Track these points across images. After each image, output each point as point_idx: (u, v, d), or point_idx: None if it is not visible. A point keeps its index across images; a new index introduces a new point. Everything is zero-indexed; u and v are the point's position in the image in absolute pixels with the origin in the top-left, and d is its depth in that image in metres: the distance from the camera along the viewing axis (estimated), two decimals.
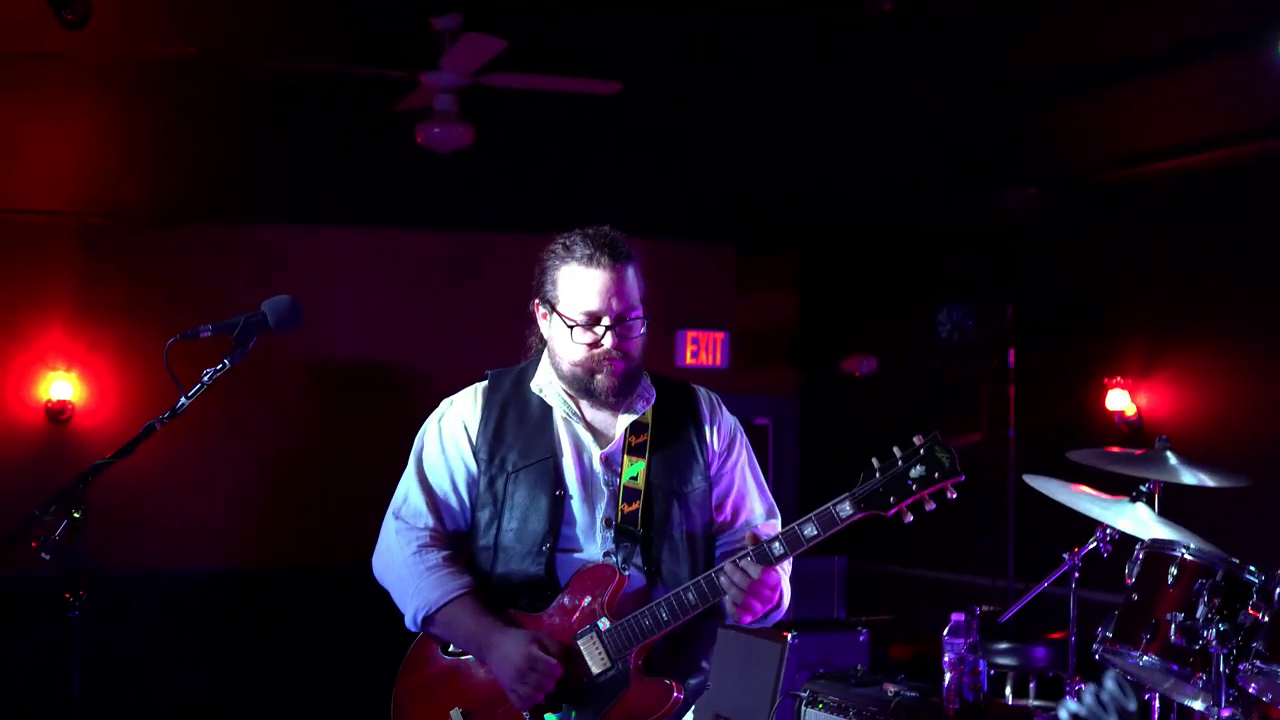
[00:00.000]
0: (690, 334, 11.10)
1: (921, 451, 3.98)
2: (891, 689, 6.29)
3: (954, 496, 4.01)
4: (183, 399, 4.20)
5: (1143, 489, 5.79)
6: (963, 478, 3.99)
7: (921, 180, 9.89)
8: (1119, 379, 9.15)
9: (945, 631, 5.97)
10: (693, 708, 4.50)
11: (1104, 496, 5.86)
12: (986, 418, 9.61)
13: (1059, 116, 8.63)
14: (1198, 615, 5.00)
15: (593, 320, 4.20)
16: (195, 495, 10.40)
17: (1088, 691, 1.53)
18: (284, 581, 10.37)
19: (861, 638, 7.32)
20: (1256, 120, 8.04)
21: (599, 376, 4.25)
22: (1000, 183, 9.46)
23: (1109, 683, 1.54)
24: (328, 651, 9.73)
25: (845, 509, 4.00)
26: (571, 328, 4.22)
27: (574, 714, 4.18)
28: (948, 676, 5.97)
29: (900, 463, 3.99)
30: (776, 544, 4.04)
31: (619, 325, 4.20)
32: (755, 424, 10.78)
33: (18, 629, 8.94)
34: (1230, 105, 8.02)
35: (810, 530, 4.02)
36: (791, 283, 11.98)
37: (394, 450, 4.51)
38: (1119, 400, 9.08)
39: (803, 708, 6.64)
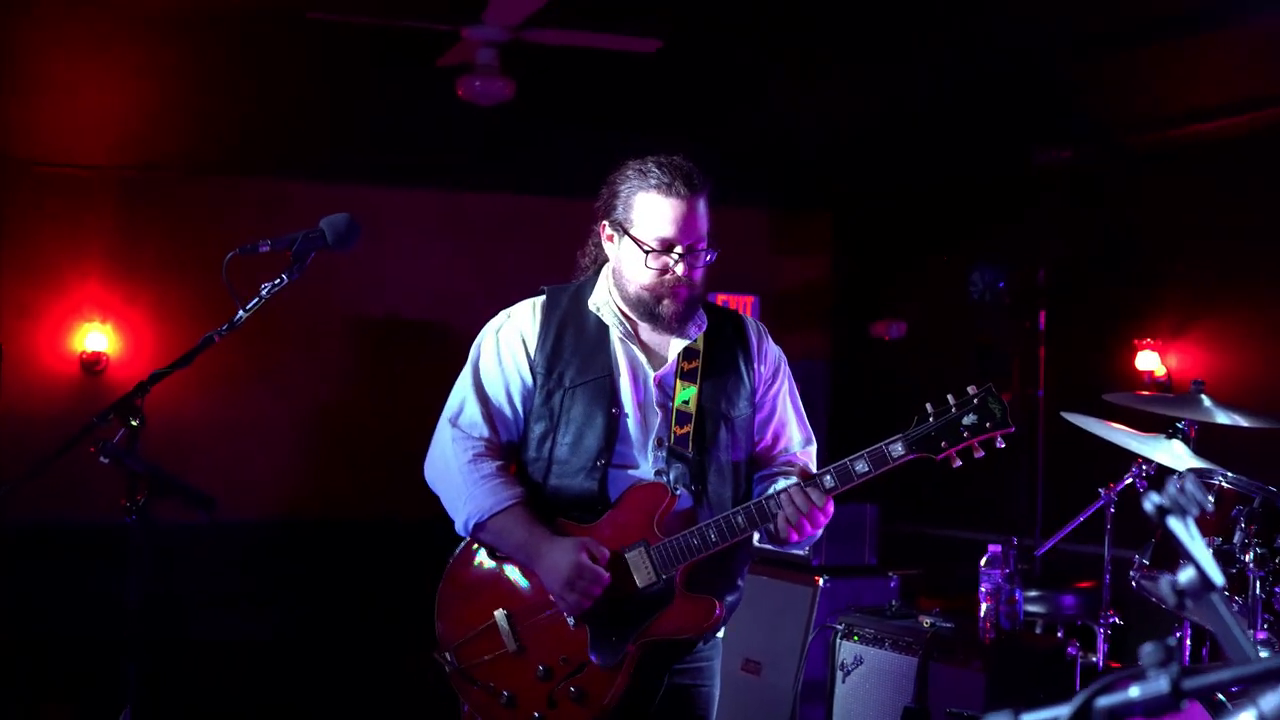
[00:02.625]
0: (721, 297, 11.14)
1: (975, 401, 4.10)
2: (927, 621, 6.37)
3: (1003, 446, 4.12)
4: (241, 312, 4.28)
5: (1179, 425, 5.84)
6: (1013, 429, 4.11)
7: (955, 141, 9.93)
8: (1149, 340, 9.20)
9: (983, 562, 6.05)
10: (720, 649, 4.62)
11: (1140, 433, 5.91)
12: (1017, 378, 9.66)
13: (1095, 76, 8.66)
14: (1234, 540, 5.08)
15: (666, 247, 4.28)
16: (239, 448, 10.47)
17: (1171, 483, 1.59)
18: (328, 532, 10.44)
19: (893, 583, 7.37)
20: None
21: (665, 302, 4.33)
22: (1034, 143, 9.50)
23: (1189, 481, 1.60)
24: (373, 601, 9.80)
25: (898, 449, 4.10)
26: (646, 253, 4.29)
27: (613, 627, 4.27)
28: (984, 606, 6.06)
29: (954, 409, 4.10)
30: (828, 477, 4.14)
31: (690, 254, 4.29)
32: None
33: (77, 569, 9.04)
34: (1271, 67, 8.05)
35: (862, 466, 4.12)
36: (823, 246, 12.01)
37: (437, 408, 4.59)
38: (1149, 361, 9.13)
39: (838, 640, 6.71)
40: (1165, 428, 5.90)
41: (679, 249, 4.28)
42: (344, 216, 4.38)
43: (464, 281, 10.71)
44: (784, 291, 11.64)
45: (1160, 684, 1.62)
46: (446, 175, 11.00)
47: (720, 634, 4.60)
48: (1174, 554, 5.21)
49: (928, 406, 4.10)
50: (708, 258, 4.35)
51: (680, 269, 4.29)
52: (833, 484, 4.14)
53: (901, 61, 8.65)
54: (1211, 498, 5.23)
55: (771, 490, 4.25)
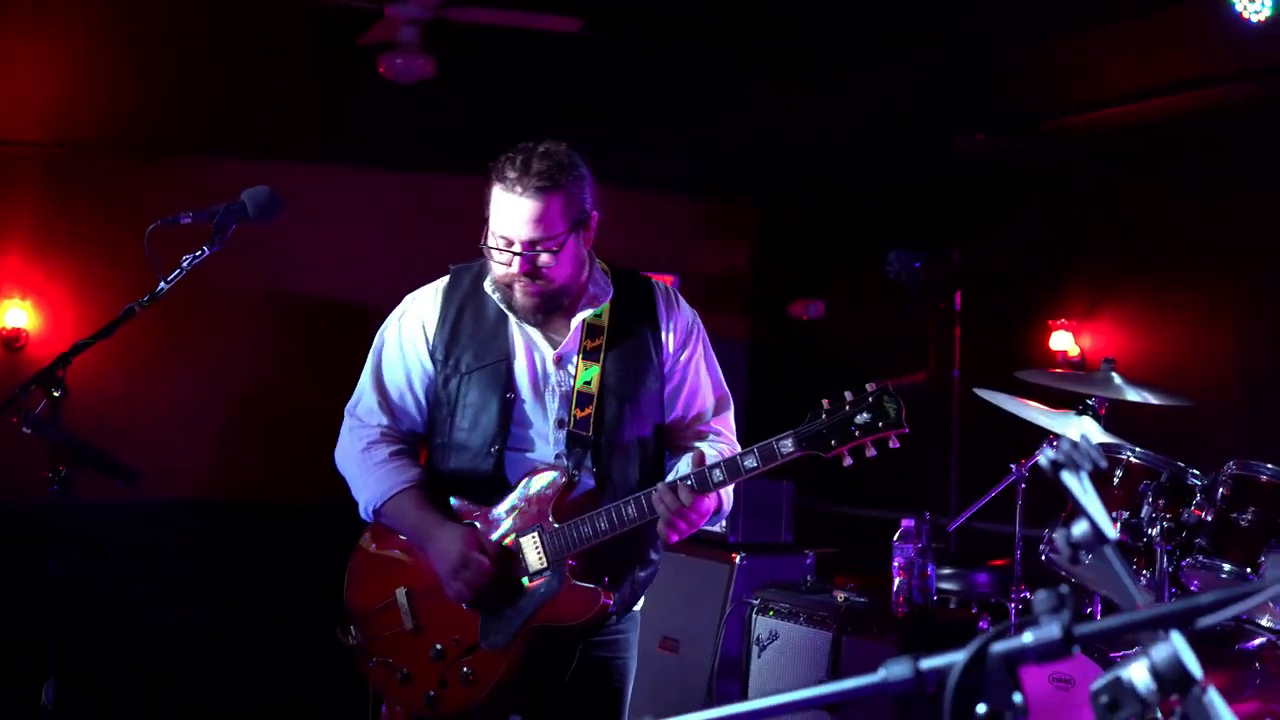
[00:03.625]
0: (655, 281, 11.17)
1: (870, 399, 4.06)
2: (841, 595, 6.44)
3: (896, 446, 4.08)
4: (162, 284, 4.30)
5: (1089, 402, 5.91)
6: (907, 430, 4.07)
7: (874, 127, 10.00)
8: (1063, 321, 9.31)
9: (895, 537, 6.12)
10: (638, 622, 4.65)
11: (1052, 410, 5.99)
12: (933, 359, 9.75)
13: (1012, 63, 8.75)
14: (1142, 514, 5.17)
15: (506, 244, 4.25)
16: (160, 429, 10.40)
17: (1065, 441, 1.63)
18: (250, 514, 10.38)
19: (809, 561, 7.43)
20: (1208, 69, 8.16)
21: (516, 295, 4.33)
22: (952, 129, 9.58)
23: (1083, 440, 1.64)
24: (296, 582, 9.78)
25: (787, 446, 4.08)
26: (490, 247, 4.30)
27: (504, 611, 4.31)
28: (896, 581, 6.13)
29: (848, 407, 4.06)
30: (717, 471, 4.13)
31: (528, 253, 4.23)
32: None
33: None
34: (1182, 54, 8.14)
35: (750, 462, 4.11)
36: (744, 228, 12.06)
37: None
38: (1063, 341, 9.25)
39: (753, 615, 6.77)
40: (1076, 405, 5.98)
41: (516, 247, 4.24)
42: (265, 189, 4.40)
43: (389, 261, 10.68)
44: (704, 273, 11.67)
45: (1052, 630, 1.68)
46: (372, 154, 10.97)
47: (637, 607, 4.63)
48: None
49: (823, 403, 4.08)
50: (555, 259, 4.26)
51: (515, 266, 4.26)
52: (721, 478, 4.13)
53: (827, 50, 8.71)
54: (1120, 473, 5.32)
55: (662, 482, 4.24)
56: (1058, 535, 1.79)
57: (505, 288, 4.33)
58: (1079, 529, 1.79)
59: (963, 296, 9.45)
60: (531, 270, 4.24)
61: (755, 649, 6.81)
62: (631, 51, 8.93)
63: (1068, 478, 1.80)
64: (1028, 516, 6.10)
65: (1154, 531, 5.14)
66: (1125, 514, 5.21)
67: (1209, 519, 5.14)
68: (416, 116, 9.72)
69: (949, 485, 9.41)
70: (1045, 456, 1.81)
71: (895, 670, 1.78)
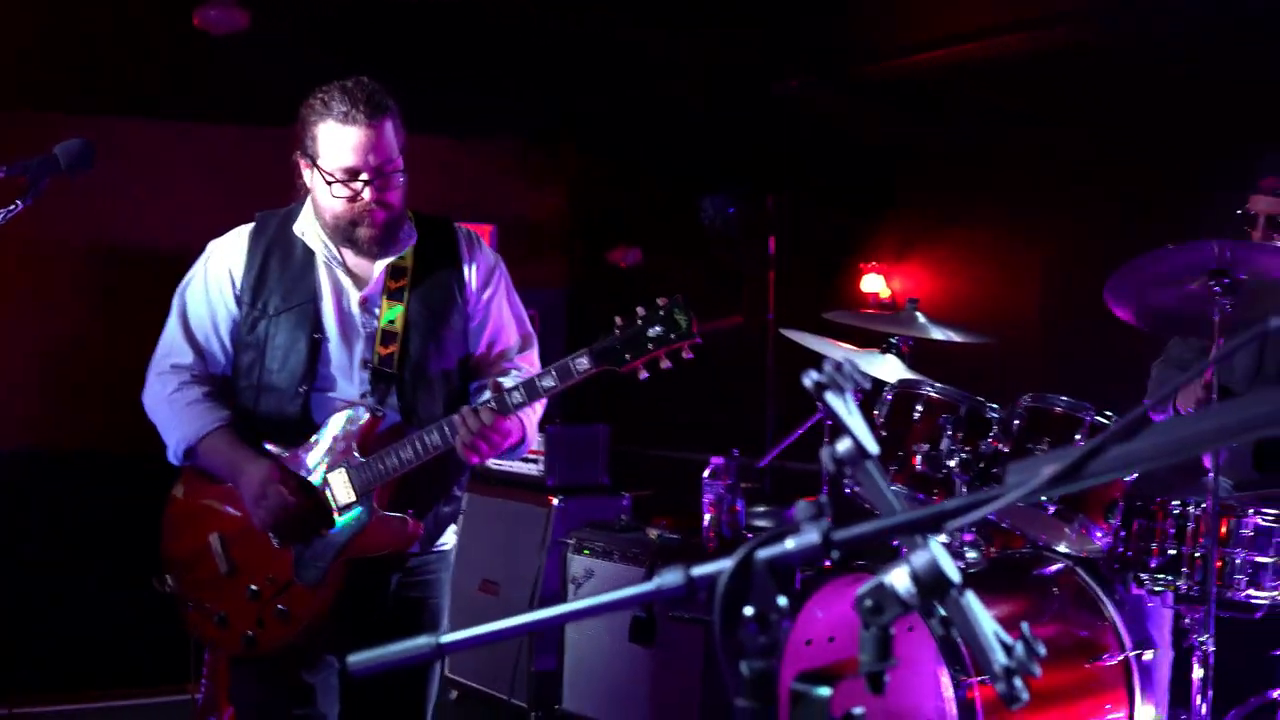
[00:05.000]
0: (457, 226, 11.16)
1: (661, 312, 4.13)
2: (654, 533, 6.55)
3: (690, 357, 4.19)
4: None
5: (892, 341, 6.06)
6: (699, 340, 4.15)
7: (690, 71, 10.06)
8: (874, 264, 9.48)
9: (705, 474, 6.24)
10: (449, 563, 4.73)
11: (857, 349, 6.13)
12: (747, 303, 9.86)
13: (828, 7, 8.85)
14: (941, 446, 5.32)
15: (351, 175, 4.29)
16: None
17: (829, 362, 1.70)
18: (70, 464, 10.25)
19: (625, 502, 7.55)
20: (1020, 13, 8.30)
21: (360, 228, 4.36)
22: (768, 74, 9.68)
23: (847, 362, 1.72)
24: (115, 532, 9.69)
25: (583, 363, 4.17)
26: (331, 183, 4.32)
27: (316, 546, 4.37)
28: (707, 516, 6.25)
29: (640, 322, 4.14)
30: (516, 393, 4.21)
31: (378, 179, 4.30)
32: None
33: None
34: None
35: (548, 381, 4.19)
36: (562, 177, 12.08)
37: None
38: (874, 284, 9.41)
39: (569, 555, 6.87)
40: (882, 344, 6.13)
41: (365, 175, 4.30)
42: (78, 141, 4.37)
43: (209, 213, 10.54)
44: (522, 220, 11.68)
45: (812, 536, 1.77)
46: (191, 107, 10.83)
47: (447, 545, 4.71)
48: (886, 462, 5.45)
49: (616, 320, 4.18)
50: (400, 179, 4.36)
51: (368, 195, 4.32)
52: (520, 399, 4.22)
53: None
54: (920, 407, 5.47)
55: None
56: (823, 452, 1.88)
57: (348, 225, 4.36)
58: (843, 446, 1.88)
59: (776, 241, 9.57)
60: (380, 196, 4.30)
61: (572, 587, 6.91)
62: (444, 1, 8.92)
63: (831, 398, 1.88)
64: None
65: (952, 463, 5.30)
66: (926, 447, 5.36)
67: (1005, 450, 5.31)
68: (233, 69, 9.62)
69: (765, 426, 9.54)
70: (809, 378, 1.89)
71: (668, 578, 1.87)
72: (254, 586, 4.40)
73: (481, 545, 7.56)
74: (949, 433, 5.36)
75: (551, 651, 7.12)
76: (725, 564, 1.79)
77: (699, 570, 1.84)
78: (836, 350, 6.04)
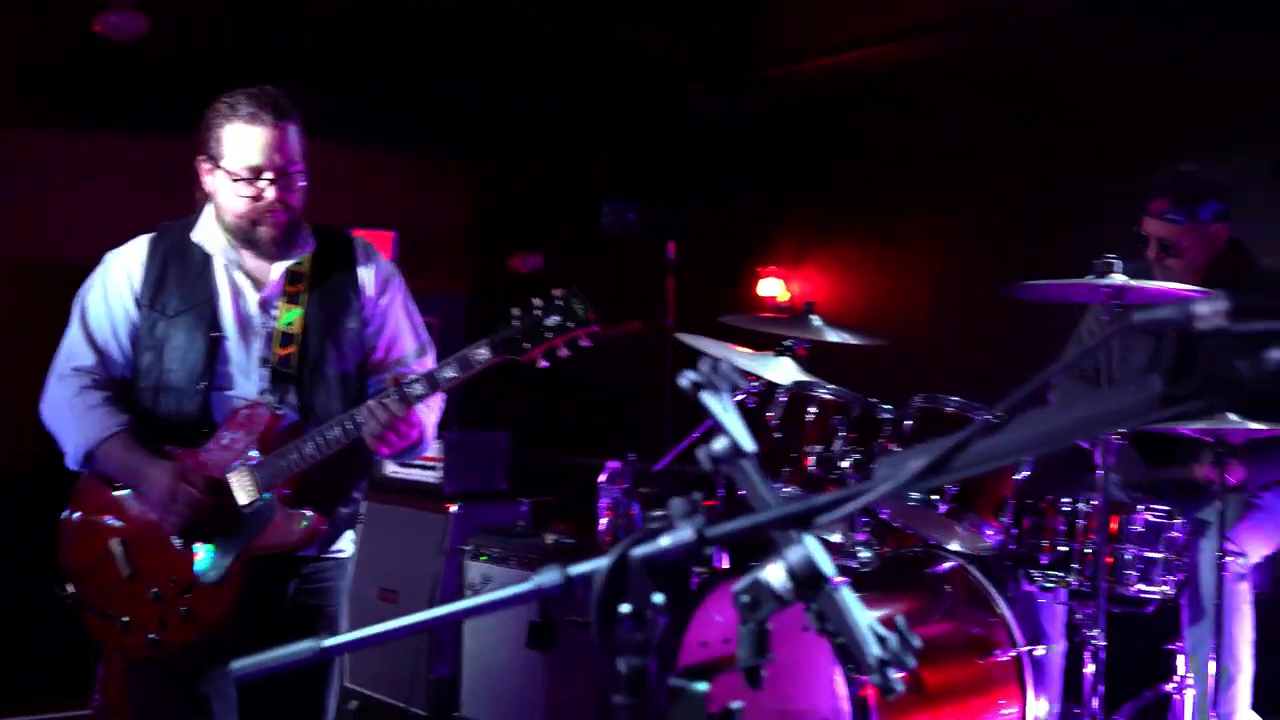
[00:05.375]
0: (357, 234, 11.10)
1: (559, 302, 4.24)
2: (550, 538, 6.57)
3: (588, 345, 4.25)
4: None
5: (786, 344, 6.10)
6: (597, 328, 4.23)
7: (593, 76, 10.08)
8: (773, 268, 9.54)
9: (601, 478, 6.26)
10: (347, 571, 4.74)
11: (753, 353, 6.17)
12: (647, 308, 9.87)
13: (725, 14, 8.89)
14: (834, 447, 5.37)
15: (255, 174, 4.37)
16: None
17: (705, 362, 1.73)
18: None
19: (523, 508, 7.55)
20: (917, 18, 8.37)
21: (261, 228, 4.44)
22: (670, 80, 9.71)
23: (724, 363, 1.75)
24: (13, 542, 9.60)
25: (483, 353, 4.24)
26: (235, 181, 4.38)
27: (219, 545, 4.39)
28: (603, 521, 6.27)
29: (537, 312, 4.23)
30: (417, 385, 4.27)
31: (281, 179, 4.38)
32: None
33: None
34: (889, 4, 8.36)
35: (449, 372, 4.25)
36: (464, 181, 12.08)
37: None
38: (772, 288, 9.47)
39: (466, 561, 6.87)
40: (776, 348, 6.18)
41: (269, 174, 4.38)
42: None
43: (110, 221, 10.45)
44: (423, 227, 11.65)
45: (686, 533, 1.80)
46: (94, 115, 10.74)
47: (346, 553, 4.73)
48: (779, 464, 5.49)
49: (513, 311, 4.24)
50: (301, 181, 4.44)
51: (271, 193, 4.39)
52: (422, 390, 4.27)
53: (538, 4, 8.75)
54: (814, 409, 5.51)
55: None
56: (700, 452, 1.90)
57: (249, 224, 4.43)
58: (719, 445, 1.91)
59: (677, 246, 9.58)
60: (283, 196, 4.38)
61: (469, 594, 6.91)
62: (346, 7, 8.89)
63: (707, 397, 1.91)
64: None
65: (845, 464, 5.35)
66: (819, 448, 5.41)
67: (897, 450, 5.36)
68: (133, 76, 9.56)
69: (665, 431, 9.55)
70: (685, 378, 1.91)
71: (547, 577, 1.89)
72: (156, 589, 4.40)
73: (380, 553, 7.53)
74: (841, 434, 5.41)
75: (449, 659, 7.12)
76: (601, 562, 1.81)
77: (576, 569, 1.86)
78: (732, 353, 6.07)
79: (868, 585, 5.40)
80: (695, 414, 5.72)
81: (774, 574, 1.84)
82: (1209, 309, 1.56)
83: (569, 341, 4.25)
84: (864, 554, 5.49)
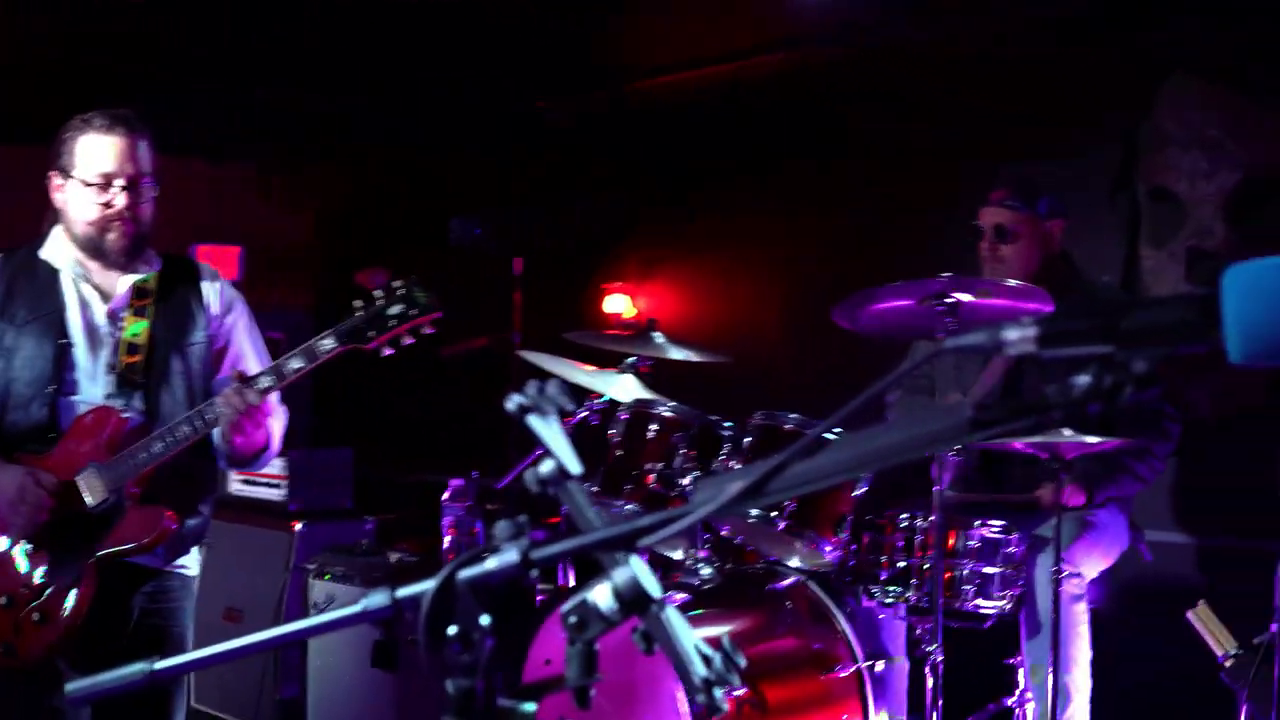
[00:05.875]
0: (203, 249, 11.01)
1: (400, 291, 4.32)
2: (395, 556, 6.55)
3: (431, 332, 4.31)
4: None
5: (629, 361, 6.13)
6: (440, 314, 4.32)
7: (444, 91, 10.07)
8: (618, 284, 9.58)
9: (445, 497, 6.25)
10: (192, 592, 4.73)
11: (596, 370, 6.19)
12: (494, 323, 9.86)
13: (573, 30, 8.92)
14: (675, 465, 5.40)
15: (107, 181, 4.45)
16: None
17: (532, 385, 1.74)
18: None
19: (368, 526, 7.53)
20: (763, 35, 8.45)
21: (110, 236, 4.51)
22: (516, 94, 9.72)
23: (551, 385, 1.77)
24: None
25: (328, 343, 4.31)
26: (88, 188, 4.46)
27: (70, 547, 4.39)
28: (447, 539, 6.26)
29: (380, 301, 4.31)
30: (264, 377, 4.34)
31: (132, 188, 4.47)
32: (269, 337, 10.72)
33: None
34: (739, 21, 8.41)
35: (296, 363, 4.32)
36: (310, 196, 12.02)
37: None
38: (618, 304, 9.50)
39: (310, 580, 6.83)
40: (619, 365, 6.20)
41: (120, 181, 4.45)
42: None
43: None
44: (269, 242, 11.58)
45: (511, 555, 1.81)
46: None
47: (191, 571, 4.73)
48: (621, 481, 5.52)
49: (356, 303, 4.29)
50: (151, 194, 4.53)
51: (122, 200, 4.47)
52: (270, 382, 4.32)
53: (395, 12, 8.72)
54: (655, 427, 5.54)
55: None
56: (527, 474, 1.92)
57: (99, 233, 4.50)
58: (546, 467, 1.93)
59: (524, 262, 9.60)
60: (133, 205, 4.47)
61: (314, 613, 6.86)
62: (188, 18, 8.81)
63: (534, 421, 1.93)
64: None
65: (685, 481, 5.39)
66: (660, 465, 5.44)
67: (737, 467, 5.40)
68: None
69: (508, 448, 9.54)
70: (511, 401, 1.93)
71: (375, 599, 1.90)
72: (8, 595, 4.39)
73: (225, 572, 7.48)
74: (682, 451, 5.45)
75: (295, 679, 7.06)
76: (428, 585, 1.82)
77: (403, 592, 1.87)
78: (575, 371, 6.10)
79: (709, 602, 5.43)
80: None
81: (601, 595, 1.86)
82: (1018, 334, 1.60)
83: (413, 329, 4.31)
84: (705, 571, 5.52)
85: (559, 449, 1.93)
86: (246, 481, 7.86)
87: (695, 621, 5.22)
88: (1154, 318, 1.55)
